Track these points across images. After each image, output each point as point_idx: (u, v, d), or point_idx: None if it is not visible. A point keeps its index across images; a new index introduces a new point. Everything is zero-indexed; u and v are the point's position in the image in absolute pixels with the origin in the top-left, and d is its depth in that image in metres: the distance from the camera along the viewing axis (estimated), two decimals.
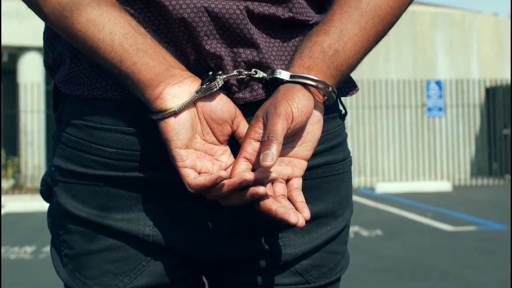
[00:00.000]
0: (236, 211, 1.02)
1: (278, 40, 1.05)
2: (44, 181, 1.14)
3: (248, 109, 1.01)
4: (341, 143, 1.12)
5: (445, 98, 15.61)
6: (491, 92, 15.83)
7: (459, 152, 15.85)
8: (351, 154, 1.16)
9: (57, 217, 1.10)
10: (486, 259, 6.14)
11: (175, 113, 0.95)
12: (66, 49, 1.06)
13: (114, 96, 1.02)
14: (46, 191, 1.14)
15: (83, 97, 1.04)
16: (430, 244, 7.04)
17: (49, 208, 1.13)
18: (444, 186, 14.15)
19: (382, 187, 13.95)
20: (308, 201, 1.02)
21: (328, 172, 1.09)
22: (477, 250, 6.65)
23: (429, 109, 15.48)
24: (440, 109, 15.49)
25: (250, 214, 1.01)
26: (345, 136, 1.15)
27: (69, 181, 1.07)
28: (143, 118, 0.99)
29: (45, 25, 1.10)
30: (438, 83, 15.42)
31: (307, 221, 0.94)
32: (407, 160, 15.55)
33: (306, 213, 0.94)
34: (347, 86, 1.12)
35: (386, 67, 15.48)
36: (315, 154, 1.04)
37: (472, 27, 16.50)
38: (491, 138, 15.87)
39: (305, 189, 1.03)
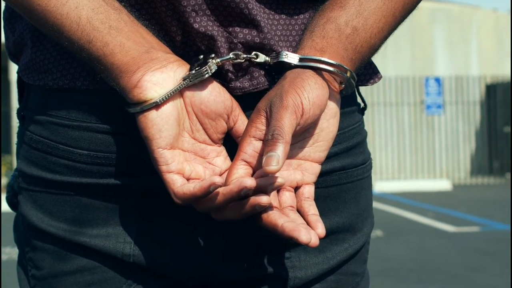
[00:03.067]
0: (234, 225, 0.88)
1: (284, 16, 0.89)
2: (10, 186, 1.01)
3: (248, 102, 0.86)
4: (361, 143, 0.96)
5: (444, 95, 15.76)
6: (492, 89, 15.96)
7: (459, 150, 15.98)
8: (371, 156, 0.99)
9: (22, 231, 0.96)
10: (493, 261, 6.12)
11: (156, 105, 0.81)
12: (27, 30, 0.91)
13: (84, 85, 0.88)
14: (12, 199, 1.00)
15: (47, 88, 0.89)
16: (434, 246, 7.05)
17: (15, 219, 0.99)
18: (444, 184, 14.26)
19: (380, 186, 13.98)
20: (321, 213, 0.85)
21: (346, 178, 0.94)
22: (482, 251, 6.63)
23: (428, 107, 15.59)
24: (439, 107, 15.60)
25: (251, 229, 0.86)
26: (364, 134, 0.98)
27: (34, 189, 0.92)
28: (121, 112, 0.85)
29: (5, 4, 0.95)
30: (437, 80, 15.56)
31: (321, 239, 0.78)
32: (405, 158, 15.68)
33: (321, 229, 0.80)
34: (367, 72, 0.96)
35: (384, 64, 15.48)
36: (329, 157, 0.89)
37: (471, 23, 16.65)
38: (492, 136, 16.01)
39: (318, 199, 0.87)
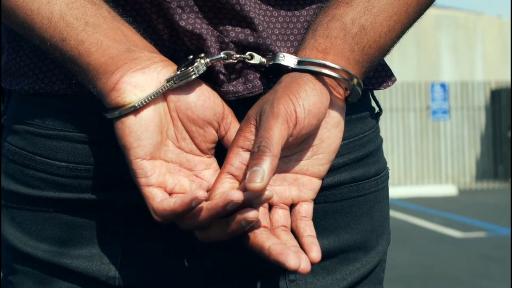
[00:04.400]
0: (231, 244, 0.77)
1: (283, 13, 0.80)
2: None
3: (242, 108, 0.77)
4: (374, 152, 0.87)
5: (450, 101, 15.55)
6: (496, 94, 15.78)
7: (464, 155, 15.79)
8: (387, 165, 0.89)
9: (4, 251, 0.86)
10: (500, 267, 6.04)
11: (135, 110, 0.71)
12: (4, 31, 0.83)
13: (61, 90, 0.78)
14: None
15: (24, 93, 0.80)
16: (440, 251, 6.96)
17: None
18: (449, 189, 14.10)
19: None
20: (331, 230, 0.79)
21: (357, 191, 0.84)
22: (489, 257, 6.55)
23: (434, 112, 15.42)
24: (444, 112, 15.44)
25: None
26: (379, 142, 0.88)
27: (12, 206, 0.83)
28: (102, 119, 0.75)
29: None
30: (442, 85, 15.38)
31: (315, 263, 0.69)
32: (411, 163, 15.47)
33: (315, 253, 0.71)
34: (379, 75, 0.86)
35: None
36: (338, 168, 0.81)
37: (476, 29, 16.50)
38: (497, 140, 15.81)
39: (326, 215, 0.80)
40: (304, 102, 0.72)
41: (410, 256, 6.69)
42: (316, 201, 0.79)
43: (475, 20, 16.60)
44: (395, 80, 0.88)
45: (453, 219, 9.53)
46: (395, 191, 13.85)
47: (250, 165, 0.69)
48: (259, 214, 0.72)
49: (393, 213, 10.48)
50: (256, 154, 0.69)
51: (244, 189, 0.70)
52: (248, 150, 0.72)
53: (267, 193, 0.70)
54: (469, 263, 6.24)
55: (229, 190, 0.68)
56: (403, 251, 6.94)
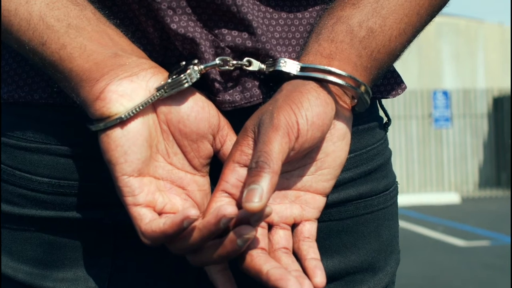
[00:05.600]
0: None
1: (284, 15, 0.73)
2: None
3: (240, 119, 0.71)
4: (383, 166, 0.81)
5: (452, 108, 15.59)
6: (499, 102, 15.80)
7: (467, 163, 15.82)
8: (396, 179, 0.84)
9: None
10: (504, 277, 6.00)
11: (122, 122, 0.65)
12: None
13: (42, 99, 0.72)
14: None
15: (3, 101, 0.74)
16: (444, 261, 6.94)
17: None
18: (452, 197, 14.12)
19: None
20: (336, 250, 0.73)
21: (364, 208, 0.78)
22: (494, 267, 6.52)
23: (436, 120, 15.44)
24: (447, 120, 15.47)
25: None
26: (388, 154, 0.82)
27: None
28: (87, 132, 0.69)
29: None
30: (444, 93, 15.42)
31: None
32: (413, 171, 15.51)
33: (319, 278, 0.65)
34: (388, 82, 0.80)
35: None
36: (344, 183, 0.75)
37: (477, 36, 16.57)
38: (500, 148, 15.81)
39: (331, 234, 0.74)
40: (307, 112, 0.66)
41: (414, 265, 6.67)
42: (320, 219, 0.73)
43: (476, 27, 16.68)
44: (405, 87, 0.82)
45: (456, 228, 9.53)
46: (398, 199, 13.89)
47: (247, 183, 0.63)
48: (258, 234, 0.67)
49: None
50: (254, 170, 0.63)
51: (240, 208, 0.65)
52: (245, 166, 0.66)
53: (267, 209, 0.64)
54: (473, 273, 6.22)
55: (222, 205, 0.62)
56: (407, 260, 6.91)
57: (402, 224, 10.19)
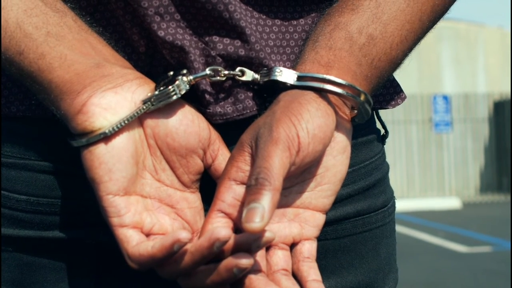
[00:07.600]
0: None
1: (278, 22, 0.70)
2: None
3: (232, 132, 0.68)
4: (381, 181, 0.77)
5: (453, 113, 15.64)
6: (500, 106, 15.84)
7: (467, 167, 15.84)
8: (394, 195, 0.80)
9: None
10: (508, 283, 5.96)
11: (106, 137, 0.62)
12: None
13: (20, 112, 0.68)
14: None
15: None
16: (445, 267, 6.92)
17: None
18: (453, 202, 14.12)
19: None
20: (332, 271, 0.70)
21: (362, 226, 0.75)
22: (496, 273, 6.50)
23: (436, 124, 15.47)
24: (447, 124, 15.50)
25: None
26: (386, 169, 0.79)
27: None
28: (67, 146, 0.65)
29: None
30: (445, 97, 15.47)
31: None
32: (414, 176, 15.56)
33: None
34: (387, 92, 0.77)
35: None
36: (341, 200, 0.71)
37: (477, 40, 16.66)
38: (501, 153, 15.84)
39: (327, 254, 0.71)
40: (308, 124, 0.63)
41: (415, 271, 6.66)
42: None
43: (476, 31, 16.76)
44: (405, 97, 0.79)
45: (457, 233, 9.52)
46: (397, 205, 13.86)
47: (246, 201, 0.59)
48: (256, 256, 0.63)
49: (396, 228, 10.52)
50: (253, 188, 0.59)
51: (238, 230, 0.61)
52: (242, 183, 0.62)
53: (267, 234, 0.60)
54: (475, 279, 6.20)
55: (215, 227, 0.59)
56: (408, 266, 6.90)
57: (403, 229, 10.20)
